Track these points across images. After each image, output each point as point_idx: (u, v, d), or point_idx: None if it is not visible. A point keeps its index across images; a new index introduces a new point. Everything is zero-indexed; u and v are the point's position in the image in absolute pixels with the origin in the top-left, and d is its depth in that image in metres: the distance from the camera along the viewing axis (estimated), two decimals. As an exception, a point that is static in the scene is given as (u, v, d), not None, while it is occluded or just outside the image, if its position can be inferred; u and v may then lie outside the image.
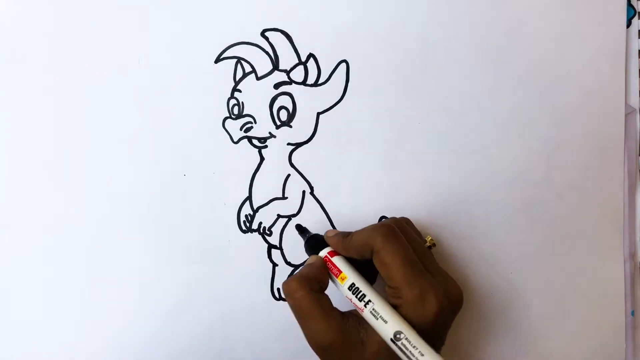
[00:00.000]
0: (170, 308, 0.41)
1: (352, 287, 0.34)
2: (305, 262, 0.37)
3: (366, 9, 0.40)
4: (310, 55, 0.40)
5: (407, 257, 0.33)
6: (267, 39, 0.40)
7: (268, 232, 0.41)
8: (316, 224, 0.41)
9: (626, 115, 0.42)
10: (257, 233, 0.41)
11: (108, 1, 0.39)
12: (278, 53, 0.40)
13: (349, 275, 0.34)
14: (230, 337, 0.41)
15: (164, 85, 0.40)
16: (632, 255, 0.43)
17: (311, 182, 0.41)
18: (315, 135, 0.41)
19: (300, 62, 0.40)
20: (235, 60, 0.40)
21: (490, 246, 0.42)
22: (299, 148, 0.41)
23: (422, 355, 0.30)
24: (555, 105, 0.41)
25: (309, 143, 0.41)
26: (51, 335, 0.41)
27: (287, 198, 0.41)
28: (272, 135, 0.40)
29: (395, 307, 0.32)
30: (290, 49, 0.40)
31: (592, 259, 0.42)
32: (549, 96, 0.41)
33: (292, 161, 0.41)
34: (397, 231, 0.34)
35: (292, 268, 0.41)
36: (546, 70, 0.41)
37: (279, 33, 0.40)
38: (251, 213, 0.41)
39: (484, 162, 0.41)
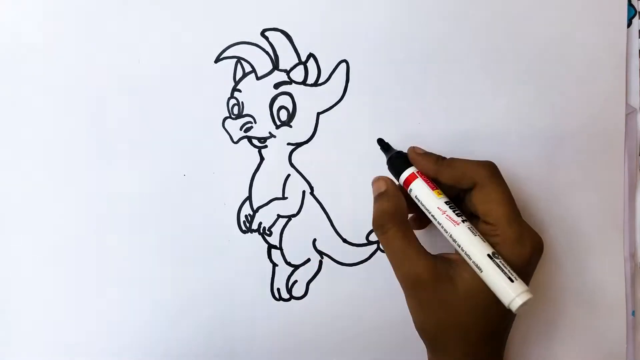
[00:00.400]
0: (170, 308, 0.41)
1: (449, 203, 0.33)
2: (375, 189, 0.36)
3: (366, 9, 0.40)
4: (310, 55, 0.40)
5: (511, 197, 0.33)
6: (267, 38, 0.40)
7: (268, 232, 0.41)
8: (316, 224, 0.41)
9: (626, 115, 0.42)
10: (257, 233, 0.41)
11: (108, 1, 0.39)
12: (278, 53, 0.40)
13: (443, 194, 0.33)
14: (230, 337, 0.42)
15: (164, 85, 0.40)
16: (632, 255, 0.43)
17: (311, 182, 0.41)
18: (315, 135, 0.41)
19: (300, 62, 0.40)
20: (235, 60, 0.40)
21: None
22: (299, 148, 0.41)
23: (515, 279, 0.29)
24: (555, 105, 0.41)
25: (309, 143, 0.41)
26: (51, 335, 0.41)
27: (287, 198, 0.41)
28: (272, 135, 0.40)
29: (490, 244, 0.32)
30: (290, 48, 0.40)
31: (592, 259, 0.42)
32: (549, 96, 0.41)
33: (292, 161, 0.41)
34: (500, 172, 0.34)
35: (292, 268, 0.41)
36: (546, 70, 0.41)
37: (279, 33, 0.40)
38: (251, 213, 0.41)
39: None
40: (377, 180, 0.36)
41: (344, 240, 0.41)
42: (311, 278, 0.42)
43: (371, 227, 0.41)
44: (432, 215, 0.33)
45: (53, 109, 0.40)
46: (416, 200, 0.34)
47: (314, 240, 0.41)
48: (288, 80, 0.40)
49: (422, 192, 0.34)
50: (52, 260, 0.40)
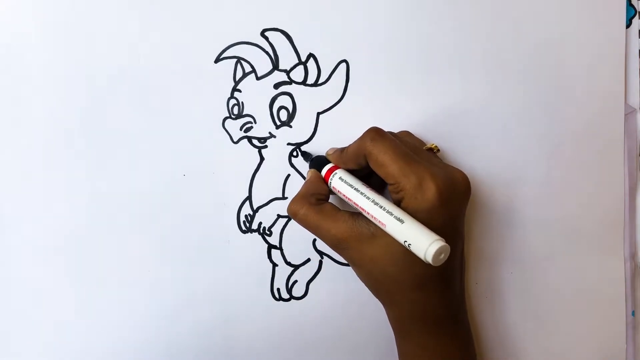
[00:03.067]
0: (170, 308, 0.41)
1: (359, 189, 0.34)
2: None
3: (366, 9, 0.40)
4: (310, 55, 0.40)
5: (398, 150, 0.33)
6: (267, 38, 0.40)
7: (268, 232, 0.41)
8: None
9: (626, 115, 0.42)
10: (257, 233, 0.41)
11: (108, 1, 0.39)
12: (278, 53, 0.40)
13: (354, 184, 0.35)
14: (230, 337, 0.41)
15: (164, 85, 0.40)
16: (633, 255, 0.43)
17: (311, 182, 0.41)
18: (315, 135, 0.41)
19: (300, 62, 0.40)
20: (235, 60, 0.40)
21: (490, 246, 0.42)
22: (299, 148, 0.41)
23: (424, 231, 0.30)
24: (555, 105, 0.41)
25: (309, 143, 0.41)
26: (51, 335, 0.41)
27: (287, 198, 0.41)
28: (272, 135, 0.40)
29: (398, 203, 0.33)
30: (290, 49, 0.40)
31: (592, 259, 0.42)
32: (549, 96, 0.41)
33: (292, 161, 0.41)
34: (383, 131, 0.34)
35: (292, 268, 0.41)
36: (546, 70, 0.41)
37: (279, 33, 0.40)
38: (251, 213, 0.41)
39: (484, 161, 0.41)
40: (308, 172, 0.39)
41: (344, 240, 0.41)
42: (311, 278, 0.42)
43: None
44: (346, 200, 0.35)
45: (52, 109, 0.39)
46: (335, 192, 0.37)
47: (314, 240, 0.41)
48: (288, 80, 0.40)
49: (336, 183, 0.36)
50: (52, 260, 0.40)
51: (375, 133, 0.34)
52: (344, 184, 0.35)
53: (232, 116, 0.40)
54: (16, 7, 0.39)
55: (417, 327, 0.35)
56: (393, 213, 0.32)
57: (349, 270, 0.41)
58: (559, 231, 0.42)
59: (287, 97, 0.40)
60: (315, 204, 0.35)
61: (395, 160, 0.33)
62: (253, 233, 0.41)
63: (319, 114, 0.40)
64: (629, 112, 0.42)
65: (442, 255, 0.30)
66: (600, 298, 0.42)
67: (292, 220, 0.41)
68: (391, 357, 0.42)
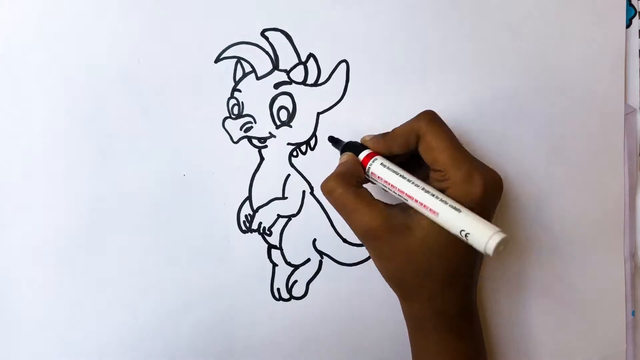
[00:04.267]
0: (170, 308, 0.41)
1: (403, 175, 0.33)
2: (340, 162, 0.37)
3: (366, 9, 0.40)
4: (310, 55, 0.40)
5: (453, 139, 0.33)
6: (267, 38, 0.40)
7: (268, 232, 0.41)
8: (316, 224, 0.41)
9: (626, 115, 0.42)
10: (257, 233, 0.41)
11: (108, 1, 0.39)
12: (278, 53, 0.40)
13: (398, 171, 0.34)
14: (230, 337, 0.41)
15: (164, 85, 0.40)
16: (633, 255, 0.43)
17: (311, 182, 0.41)
18: (315, 135, 0.41)
19: (300, 62, 0.40)
20: (235, 60, 0.40)
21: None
22: (299, 148, 0.41)
23: (489, 231, 0.29)
24: (555, 105, 0.41)
25: (309, 143, 0.41)
26: (51, 335, 0.41)
27: (287, 198, 0.41)
28: (272, 135, 0.40)
29: (442, 191, 0.32)
30: (290, 49, 0.40)
31: (592, 259, 0.42)
32: (549, 96, 0.41)
33: (292, 161, 0.41)
34: (439, 116, 0.34)
35: (292, 268, 0.41)
36: (546, 70, 0.41)
37: (279, 33, 0.40)
38: (251, 213, 0.41)
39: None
40: (342, 155, 0.37)
41: (344, 240, 0.41)
42: (311, 278, 0.42)
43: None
44: (388, 188, 0.34)
45: (52, 109, 0.39)
46: (373, 179, 0.35)
47: (314, 240, 0.41)
48: (288, 80, 0.40)
49: (377, 169, 0.34)
50: (52, 259, 0.40)
51: (433, 115, 0.34)
52: (386, 170, 0.34)
53: (232, 116, 0.40)
54: (16, 7, 0.39)
55: (434, 323, 0.35)
56: (447, 202, 0.31)
57: (349, 270, 0.42)
58: (559, 231, 0.42)
59: (287, 97, 0.40)
60: (354, 185, 0.34)
61: (450, 148, 0.32)
62: (253, 233, 0.41)
63: (319, 114, 0.40)
64: (629, 112, 0.42)
65: (502, 247, 0.29)
66: (600, 298, 0.42)
67: (293, 220, 0.41)
68: (391, 356, 0.42)
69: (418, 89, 0.40)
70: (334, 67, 0.40)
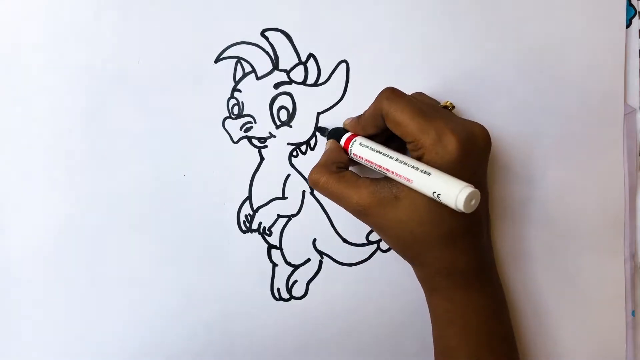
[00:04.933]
0: (170, 308, 0.41)
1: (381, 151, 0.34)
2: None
3: (366, 9, 0.40)
4: (310, 55, 0.40)
5: (415, 107, 0.33)
6: (267, 38, 0.40)
7: (268, 232, 0.41)
8: (316, 224, 0.41)
9: (626, 115, 0.42)
10: (257, 233, 0.41)
11: (108, 1, 0.39)
12: (278, 53, 0.40)
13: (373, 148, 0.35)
14: (230, 337, 0.41)
15: (164, 85, 0.40)
16: (633, 255, 0.43)
17: (311, 182, 0.41)
18: (315, 135, 0.41)
19: (300, 62, 0.40)
20: (235, 60, 0.40)
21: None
22: (299, 148, 0.41)
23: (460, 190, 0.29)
24: (555, 105, 0.41)
25: (309, 143, 0.41)
26: (51, 335, 0.41)
27: (287, 198, 0.41)
28: (272, 135, 0.40)
29: (419, 159, 0.33)
30: (290, 49, 0.40)
31: (592, 259, 0.42)
32: (548, 96, 0.41)
33: (292, 161, 0.41)
34: (398, 90, 0.34)
35: (292, 268, 0.41)
36: (546, 70, 0.41)
37: (279, 33, 0.40)
38: (251, 213, 0.41)
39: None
40: (326, 143, 0.39)
41: (344, 240, 0.41)
42: (311, 278, 0.42)
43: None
44: (369, 165, 0.35)
45: (52, 109, 0.39)
46: (356, 159, 0.36)
47: (314, 240, 0.41)
48: (288, 80, 0.40)
49: (357, 149, 0.36)
50: (52, 259, 0.40)
51: (390, 92, 0.34)
52: (364, 149, 0.35)
53: (232, 116, 0.40)
54: (16, 7, 0.39)
55: (445, 282, 0.35)
56: (419, 167, 0.32)
57: (349, 270, 0.42)
58: (559, 231, 0.42)
59: (287, 97, 0.40)
60: (335, 172, 0.35)
61: (413, 117, 0.33)
62: (253, 233, 0.41)
63: (319, 114, 0.40)
64: (629, 112, 0.42)
65: (473, 202, 0.29)
66: (600, 298, 0.42)
67: (293, 220, 0.41)
68: (391, 356, 0.42)
69: (418, 89, 0.40)
70: (334, 67, 0.40)
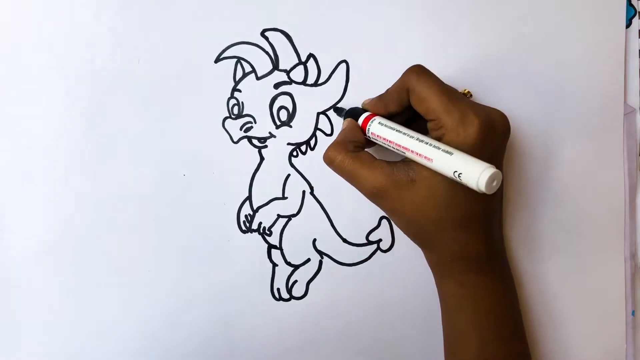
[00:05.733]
0: (170, 308, 0.41)
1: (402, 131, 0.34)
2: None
3: (366, 9, 0.40)
4: (310, 55, 0.40)
5: (441, 86, 0.33)
6: (267, 39, 0.40)
7: (268, 232, 0.41)
8: (316, 224, 0.41)
9: (626, 115, 0.42)
10: (257, 233, 0.41)
11: (108, 1, 0.39)
12: (278, 53, 0.40)
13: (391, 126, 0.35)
14: (230, 337, 0.41)
15: (164, 85, 0.40)
16: (633, 255, 0.43)
17: (311, 182, 0.41)
18: (315, 135, 0.41)
19: (300, 62, 0.40)
20: (235, 60, 0.40)
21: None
22: (299, 148, 0.41)
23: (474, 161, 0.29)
24: (555, 106, 0.41)
25: (309, 143, 0.41)
26: (51, 335, 0.41)
27: (287, 198, 0.41)
28: (272, 135, 0.40)
29: (438, 139, 0.33)
30: (290, 49, 0.40)
31: (592, 259, 0.42)
32: (548, 96, 0.41)
33: (292, 161, 0.41)
34: (426, 67, 0.34)
35: (292, 268, 0.41)
36: (546, 70, 0.41)
37: (279, 33, 0.40)
38: (251, 213, 0.41)
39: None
40: (343, 122, 0.38)
41: (344, 240, 0.41)
42: (311, 278, 0.42)
43: (371, 227, 0.41)
44: (387, 144, 0.35)
45: (53, 109, 0.39)
46: (374, 139, 0.36)
47: (314, 240, 0.41)
48: (288, 80, 0.40)
49: (375, 128, 0.35)
50: (52, 260, 0.40)
51: (419, 68, 0.34)
52: (384, 128, 0.35)
53: (232, 116, 0.40)
54: (16, 8, 0.39)
55: (457, 266, 0.35)
56: (440, 147, 0.31)
57: (349, 270, 0.42)
58: (559, 231, 0.42)
59: (287, 97, 0.40)
60: (352, 151, 0.35)
61: (439, 96, 0.32)
62: (253, 233, 0.41)
63: (319, 114, 0.40)
64: (629, 112, 0.42)
65: (495, 183, 0.29)
66: (600, 298, 0.42)
67: (293, 220, 0.41)
68: (391, 356, 0.42)
69: (418, 89, 0.40)
70: (334, 67, 0.40)
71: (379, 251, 0.41)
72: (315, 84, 0.40)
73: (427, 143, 0.32)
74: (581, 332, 0.42)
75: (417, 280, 0.41)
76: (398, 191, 0.33)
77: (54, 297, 0.41)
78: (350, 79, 0.40)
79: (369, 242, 0.41)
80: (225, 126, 0.40)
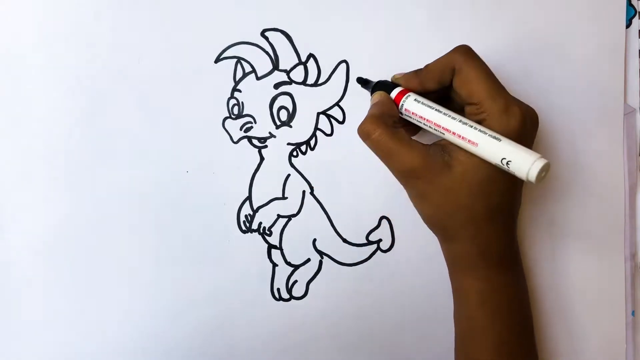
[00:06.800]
0: (170, 308, 0.41)
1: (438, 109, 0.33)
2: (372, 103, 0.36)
3: (366, 9, 0.40)
4: (310, 55, 0.40)
5: (489, 72, 0.33)
6: (267, 39, 0.40)
7: (268, 232, 0.41)
8: (316, 224, 0.41)
9: (626, 115, 0.42)
10: (257, 233, 0.41)
11: (108, 1, 0.39)
12: (278, 53, 0.40)
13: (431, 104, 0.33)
14: (230, 337, 0.41)
15: (164, 85, 0.40)
16: (633, 255, 0.43)
17: (311, 182, 0.41)
18: (315, 135, 0.41)
19: (300, 62, 0.40)
20: (235, 60, 0.40)
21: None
22: (299, 148, 0.41)
23: (533, 160, 0.29)
24: (555, 106, 0.41)
25: (309, 143, 0.41)
26: (51, 335, 0.41)
27: (287, 198, 0.41)
28: (272, 135, 0.40)
29: (479, 123, 0.32)
30: (290, 49, 0.40)
31: (592, 259, 0.42)
32: (548, 96, 0.41)
33: (292, 161, 0.41)
34: (474, 51, 0.34)
35: (292, 268, 0.41)
36: (546, 70, 0.41)
37: (279, 33, 0.40)
38: (251, 213, 0.41)
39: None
40: (374, 95, 0.36)
41: (344, 240, 0.41)
42: (311, 278, 0.42)
43: (371, 227, 0.41)
44: (423, 123, 0.33)
45: (53, 109, 0.40)
46: (407, 116, 0.34)
47: (314, 240, 0.41)
48: (288, 80, 0.40)
49: (411, 104, 0.34)
50: (52, 259, 0.40)
51: (467, 49, 0.33)
52: (421, 106, 0.33)
53: (232, 116, 0.40)
54: (16, 8, 0.39)
55: (482, 261, 0.34)
56: (486, 132, 0.31)
57: (349, 270, 0.41)
58: (559, 231, 0.42)
59: (287, 97, 0.40)
60: (392, 126, 0.33)
61: (486, 80, 0.32)
62: (253, 233, 0.41)
63: (319, 114, 0.40)
64: (629, 112, 0.42)
65: (544, 174, 0.29)
66: (600, 298, 0.42)
67: (293, 220, 0.41)
68: (391, 356, 0.42)
69: (418, 89, 0.40)
70: (334, 67, 0.40)
71: (379, 251, 0.41)
72: (315, 84, 0.40)
73: (472, 126, 0.31)
74: (581, 332, 0.42)
75: (417, 281, 0.41)
76: (432, 173, 0.32)
77: (54, 297, 0.41)
78: (350, 79, 0.40)
79: (369, 242, 0.41)
80: (225, 126, 0.40)
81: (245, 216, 0.41)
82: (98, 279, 0.41)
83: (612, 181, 0.42)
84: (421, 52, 0.40)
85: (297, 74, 0.40)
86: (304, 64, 0.40)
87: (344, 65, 0.40)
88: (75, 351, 0.41)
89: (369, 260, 0.41)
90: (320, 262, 0.42)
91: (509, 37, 0.40)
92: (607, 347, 0.42)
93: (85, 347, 0.41)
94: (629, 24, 0.41)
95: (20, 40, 0.39)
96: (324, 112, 0.40)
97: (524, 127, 0.32)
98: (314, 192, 0.41)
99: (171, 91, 0.40)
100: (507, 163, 0.29)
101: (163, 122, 0.40)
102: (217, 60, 0.40)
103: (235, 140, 0.40)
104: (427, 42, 0.40)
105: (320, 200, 0.41)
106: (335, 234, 0.41)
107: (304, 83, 0.40)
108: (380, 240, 0.42)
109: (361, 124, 0.33)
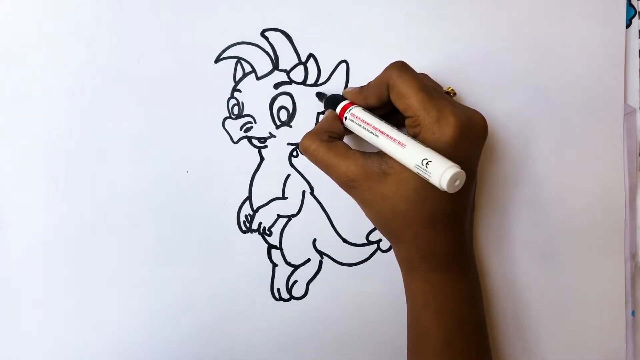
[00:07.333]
0: (170, 308, 0.41)
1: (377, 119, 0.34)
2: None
3: (366, 9, 0.40)
4: (310, 55, 0.40)
5: (421, 84, 0.33)
6: (267, 39, 0.40)
7: (268, 232, 0.41)
8: (316, 224, 0.41)
9: (626, 115, 0.42)
10: (257, 233, 0.41)
11: (108, 1, 0.39)
12: (278, 53, 0.40)
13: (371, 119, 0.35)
14: (230, 337, 0.41)
15: (164, 85, 0.40)
16: (633, 255, 0.43)
17: (311, 182, 0.41)
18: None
19: (300, 62, 0.40)
20: (235, 60, 0.40)
21: (490, 246, 0.42)
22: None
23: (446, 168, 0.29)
24: (555, 105, 0.41)
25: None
26: (51, 335, 0.41)
27: (287, 198, 0.41)
28: (272, 135, 0.40)
29: (414, 136, 0.33)
30: (290, 49, 0.40)
31: (592, 259, 0.42)
32: (549, 96, 0.41)
33: (292, 161, 0.41)
34: (408, 64, 0.34)
35: (292, 268, 0.41)
36: (546, 70, 0.41)
37: (279, 33, 0.40)
38: (251, 213, 0.41)
39: (483, 162, 0.41)
40: (325, 113, 0.38)
41: (344, 240, 0.41)
42: (311, 278, 0.42)
43: (371, 227, 0.41)
44: (364, 126, 0.35)
45: (53, 109, 0.39)
46: (349, 125, 0.36)
47: (314, 240, 0.41)
48: (288, 80, 0.40)
49: (351, 114, 0.36)
50: (52, 259, 0.40)
51: (400, 64, 0.34)
52: (360, 113, 0.35)
53: (232, 116, 0.40)
54: (16, 8, 0.39)
55: (424, 263, 0.35)
56: (415, 140, 0.32)
57: (349, 270, 0.42)
58: (559, 231, 0.42)
59: (287, 97, 0.40)
60: (327, 141, 0.35)
61: (418, 92, 0.33)
62: (253, 233, 0.41)
63: (319, 114, 0.40)
64: (629, 112, 0.42)
65: (457, 182, 0.29)
66: (600, 298, 0.42)
67: (293, 220, 0.41)
68: (391, 356, 0.42)
69: (418, 89, 0.40)
70: (334, 67, 0.40)
71: (378, 251, 0.41)
72: (315, 84, 0.40)
73: (400, 131, 0.33)
74: (581, 332, 0.42)
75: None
76: (369, 182, 0.33)
77: (54, 297, 0.41)
78: (350, 79, 0.40)
79: (369, 242, 0.41)
80: (225, 126, 0.40)
81: (245, 216, 0.41)
82: (98, 278, 0.41)
83: (612, 181, 0.42)
84: (421, 52, 0.40)
85: (297, 74, 0.40)
86: (304, 64, 0.40)
87: (344, 65, 0.40)
88: (75, 351, 0.41)
89: (369, 260, 0.41)
90: (320, 262, 0.42)
91: (509, 37, 0.40)
92: (607, 347, 0.42)
93: (85, 347, 0.41)
94: (629, 24, 0.41)
95: (20, 40, 0.39)
96: (324, 112, 0.40)
97: (460, 135, 0.32)
98: (314, 192, 0.41)
99: (171, 91, 0.40)
100: (426, 163, 0.30)
101: (163, 122, 0.40)
102: (217, 60, 0.40)
103: (235, 140, 0.40)
104: (427, 42, 0.40)
105: (320, 200, 0.41)
106: (335, 234, 0.41)
107: (304, 83, 0.40)
108: (380, 240, 0.42)
109: (301, 139, 0.36)
